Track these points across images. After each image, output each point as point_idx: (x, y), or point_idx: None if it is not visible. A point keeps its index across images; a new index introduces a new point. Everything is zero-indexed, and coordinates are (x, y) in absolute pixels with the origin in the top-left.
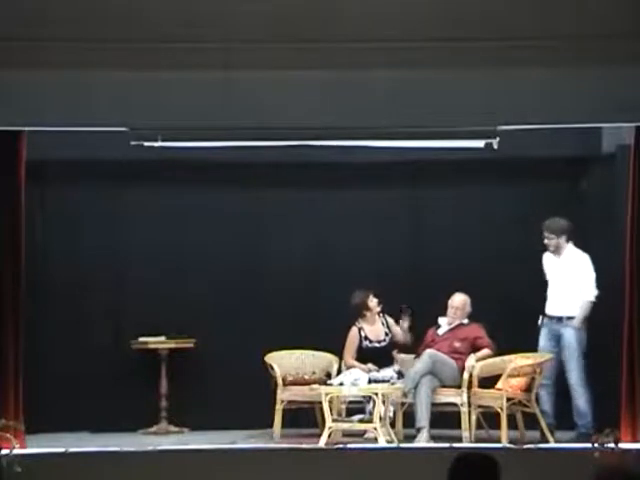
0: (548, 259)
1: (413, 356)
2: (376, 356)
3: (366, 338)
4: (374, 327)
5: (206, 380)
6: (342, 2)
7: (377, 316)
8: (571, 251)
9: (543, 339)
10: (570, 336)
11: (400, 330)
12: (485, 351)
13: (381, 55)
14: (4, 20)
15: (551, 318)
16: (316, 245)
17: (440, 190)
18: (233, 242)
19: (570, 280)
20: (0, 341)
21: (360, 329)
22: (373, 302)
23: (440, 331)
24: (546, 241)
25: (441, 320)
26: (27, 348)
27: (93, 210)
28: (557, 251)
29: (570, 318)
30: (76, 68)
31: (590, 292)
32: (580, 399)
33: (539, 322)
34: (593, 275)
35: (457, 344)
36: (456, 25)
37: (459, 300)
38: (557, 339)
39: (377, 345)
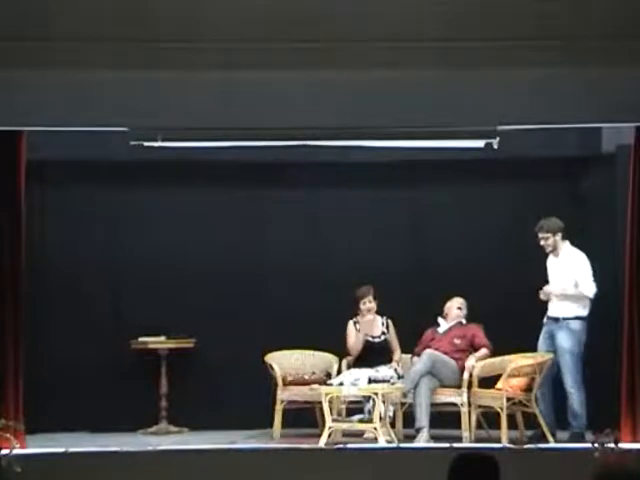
0: (550, 261)
1: (410, 356)
2: (371, 351)
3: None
4: (371, 323)
5: (206, 380)
6: (342, 2)
7: (375, 314)
8: (569, 250)
9: (541, 339)
10: (563, 337)
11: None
12: (483, 351)
13: (381, 55)
14: (4, 20)
15: (549, 318)
16: (316, 245)
17: (440, 190)
18: (233, 242)
19: (567, 279)
20: (0, 341)
21: (355, 322)
22: (371, 300)
23: (440, 329)
24: (542, 242)
25: (441, 320)
26: (27, 348)
27: (93, 210)
28: (555, 250)
29: (566, 319)
30: (76, 68)
31: (589, 288)
32: (574, 401)
33: (544, 322)
34: (590, 272)
35: (457, 341)
36: (456, 25)
37: (460, 300)
38: (553, 339)
39: (371, 340)
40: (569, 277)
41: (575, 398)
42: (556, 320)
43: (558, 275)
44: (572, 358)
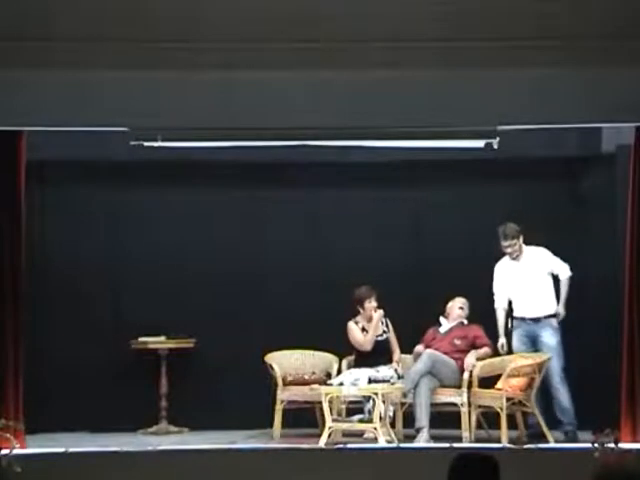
0: (505, 266)
1: (411, 356)
2: (374, 350)
3: (364, 329)
4: (377, 322)
5: (206, 380)
6: (342, 2)
7: (375, 313)
8: (530, 250)
9: (518, 341)
10: (549, 336)
11: (395, 341)
12: (485, 349)
13: (381, 55)
14: (4, 20)
15: (525, 320)
16: (316, 245)
17: (440, 190)
18: (233, 242)
19: (542, 275)
20: (0, 341)
21: (356, 322)
22: (372, 300)
23: (442, 329)
24: (509, 249)
25: (443, 320)
26: (27, 348)
27: (93, 210)
28: (519, 255)
29: (547, 317)
30: (76, 68)
31: (565, 269)
32: (563, 397)
33: (508, 325)
34: (557, 258)
35: (458, 342)
36: (456, 25)
37: (462, 300)
38: (533, 340)
39: (375, 338)
40: (543, 272)
41: (563, 393)
42: (536, 320)
43: (526, 276)
44: (559, 356)
